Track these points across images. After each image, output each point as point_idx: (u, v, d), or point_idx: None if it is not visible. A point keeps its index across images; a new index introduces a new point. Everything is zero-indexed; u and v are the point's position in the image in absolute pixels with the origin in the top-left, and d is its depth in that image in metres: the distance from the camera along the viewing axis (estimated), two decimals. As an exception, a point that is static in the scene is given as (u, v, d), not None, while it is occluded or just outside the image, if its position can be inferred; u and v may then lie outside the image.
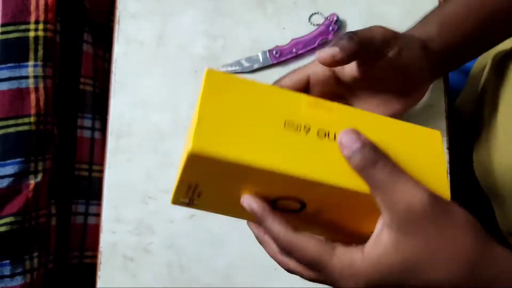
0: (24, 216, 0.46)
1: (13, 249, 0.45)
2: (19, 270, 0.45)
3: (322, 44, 0.48)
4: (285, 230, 0.27)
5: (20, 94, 0.47)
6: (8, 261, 0.45)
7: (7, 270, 0.45)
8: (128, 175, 0.48)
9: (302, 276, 0.30)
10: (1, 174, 0.46)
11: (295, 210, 0.29)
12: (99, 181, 0.53)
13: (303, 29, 0.49)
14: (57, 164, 0.51)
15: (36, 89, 0.48)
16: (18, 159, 0.46)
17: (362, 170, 0.26)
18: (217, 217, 0.47)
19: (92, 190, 0.54)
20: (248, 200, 0.28)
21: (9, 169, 0.46)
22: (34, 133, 0.48)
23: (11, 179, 0.46)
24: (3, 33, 0.47)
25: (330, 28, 0.48)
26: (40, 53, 0.49)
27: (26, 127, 0.47)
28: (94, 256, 0.52)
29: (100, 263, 0.46)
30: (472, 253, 0.26)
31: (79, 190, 0.53)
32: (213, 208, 0.32)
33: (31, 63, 0.48)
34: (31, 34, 0.48)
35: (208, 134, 0.25)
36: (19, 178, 0.46)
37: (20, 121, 0.47)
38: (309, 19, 0.49)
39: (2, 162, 0.46)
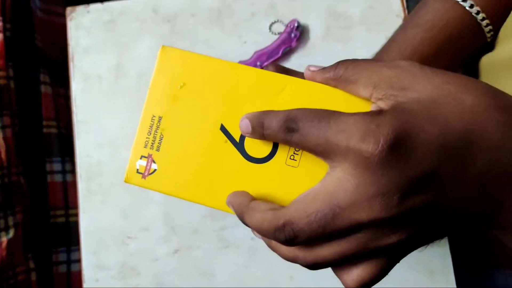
0: (0, 276, 0.44)
1: (-8, 314, 0.43)
2: (2, 335, 0.43)
3: (287, 53, 0.46)
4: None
5: (-21, 149, 0.45)
6: (-11, 327, 0.42)
7: (-12, 337, 0.42)
8: (103, 218, 0.45)
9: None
10: (-31, 237, 0.43)
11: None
12: (78, 225, 0.51)
13: (265, 39, 0.47)
14: (30, 215, 0.49)
15: (-5, 141, 0.46)
16: (-15, 218, 0.44)
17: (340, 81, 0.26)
18: (202, 248, 0.45)
19: (72, 236, 0.51)
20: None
21: (-23, 230, 0.43)
22: (0, 188, 0.45)
23: (-20, 240, 0.43)
24: (-46, 86, 0.45)
25: (292, 35, 0.46)
26: (-5, 103, 0.46)
27: (-11, 183, 0.45)
28: (82, 305, 0.50)
29: (87, 315, 0.44)
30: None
31: (57, 238, 0.51)
32: (176, 173, 0.28)
33: (-14, 114, 0.46)
34: (-18, 84, 0.46)
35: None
36: (-11, 237, 0.44)
37: (-18, 177, 0.44)
38: (270, 28, 0.47)
39: (-32, 224, 0.43)
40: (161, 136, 0.28)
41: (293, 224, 0.23)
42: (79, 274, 0.51)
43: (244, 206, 0.26)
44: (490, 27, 0.36)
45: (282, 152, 0.27)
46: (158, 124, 0.28)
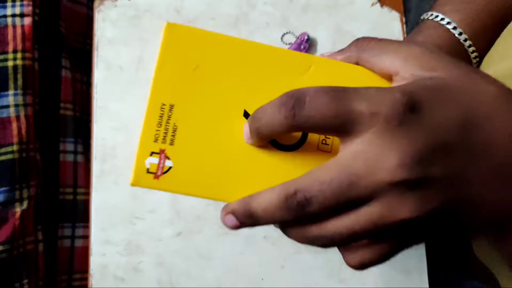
0: (12, 244, 0.47)
1: (2, 278, 0.46)
2: (9, 298, 0.46)
3: (295, 62, 0.51)
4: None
5: (2, 124, 0.48)
6: (-2, 290, 0.45)
7: (-2, 299, 0.45)
8: (114, 197, 0.49)
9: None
10: (-13, 204, 0.46)
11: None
12: (84, 204, 0.54)
13: (277, 48, 0.51)
14: (41, 189, 0.52)
15: (18, 118, 0.49)
16: (3, 188, 0.47)
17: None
18: (203, 233, 0.49)
19: (78, 213, 0.55)
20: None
21: (-5, 199, 0.46)
22: (18, 161, 0.48)
23: (-3, 208, 0.46)
24: (-19, 63, 0.48)
25: (302, 46, 0.50)
26: (20, 82, 0.49)
27: (9, 156, 0.48)
28: (83, 279, 0.53)
29: (92, 286, 0.47)
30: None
31: (64, 214, 0.54)
32: (196, 169, 0.24)
33: (11, 92, 0.49)
34: (10, 63, 0.49)
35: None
36: (5, 206, 0.47)
37: (3, 150, 0.47)
38: (282, 38, 0.52)
39: (-13, 193, 0.46)
40: (175, 127, 0.24)
41: (305, 191, 0.21)
42: (81, 249, 0.54)
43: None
44: (476, 53, 0.41)
45: (313, 136, 0.24)
46: (170, 113, 0.24)
